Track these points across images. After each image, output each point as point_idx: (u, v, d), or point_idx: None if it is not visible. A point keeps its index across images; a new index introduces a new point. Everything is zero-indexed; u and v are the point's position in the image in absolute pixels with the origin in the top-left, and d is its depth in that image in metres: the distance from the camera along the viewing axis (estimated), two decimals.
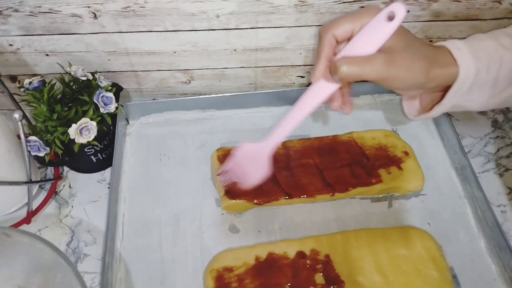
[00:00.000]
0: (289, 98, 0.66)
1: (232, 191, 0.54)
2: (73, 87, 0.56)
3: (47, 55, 0.59)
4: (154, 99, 0.68)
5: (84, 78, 0.55)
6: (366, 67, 0.36)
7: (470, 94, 0.40)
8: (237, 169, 0.49)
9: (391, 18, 0.36)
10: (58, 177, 0.60)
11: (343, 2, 0.54)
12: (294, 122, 0.43)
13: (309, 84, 0.67)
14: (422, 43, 0.39)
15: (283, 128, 0.44)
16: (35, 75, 0.60)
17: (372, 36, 0.37)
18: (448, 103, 0.41)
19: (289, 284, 0.49)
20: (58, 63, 0.59)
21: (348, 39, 0.39)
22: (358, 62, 0.37)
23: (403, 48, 0.37)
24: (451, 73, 0.38)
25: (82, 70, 0.55)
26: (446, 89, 0.40)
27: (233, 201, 0.53)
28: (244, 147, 0.48)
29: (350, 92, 0.44)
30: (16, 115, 0.50)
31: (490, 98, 0.41)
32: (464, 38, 0.60)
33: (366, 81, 0.38)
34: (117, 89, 0.59)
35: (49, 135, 0.53)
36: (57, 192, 0.59)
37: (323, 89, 0.41)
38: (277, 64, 0.64)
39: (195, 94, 0.69)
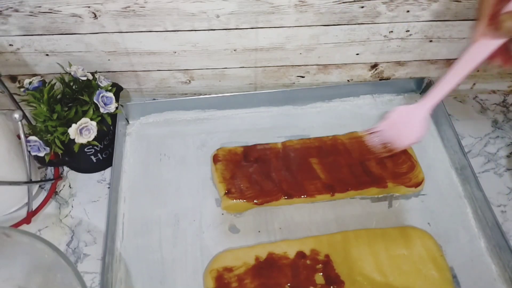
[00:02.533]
0: (289, 98, 0.66)
1: (232, 191, 0.54)
2: (73, 87, 0.56)
3: (47, 55, 0.59)
4: (154, 99, 0.68)
5: (84, 78, 0.55)
6: None
7: None
8: (390, 130, 0.50)
9: None
10: (58, 177, 0.60)
11: (343, 2, 0.54)
12: (452, 83, 0.43)
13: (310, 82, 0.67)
14: None
15: (441, 88, 0.44)
16: (35, 75, 0.60)
17: None
18: None
19: (289, 284, 0.49)
20: (58, 63, 0.59)
21: None
22: None
23: None
24: None
25: (82, 70, 0.55)
26: None
27: (233, 201, 0.53)
28: (399, 109, 0.48)
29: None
30: (16, 115, 0.50)
31: None
32: (464, 38, 0.60)
33: None
34: (117, 89, 0.59)
35: (49, 135, 0.53)
36: (57, 192, 0.59)
37: (484, 47, 0.40)
38: (277, 64, 0.64)
39: (195, 94, 0.69)
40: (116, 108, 0.56)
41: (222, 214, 0.56)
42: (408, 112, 0.48)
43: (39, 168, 0.61)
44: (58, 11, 0.52)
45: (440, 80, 0.44)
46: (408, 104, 0.48)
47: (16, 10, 0.52)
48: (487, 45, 0.40)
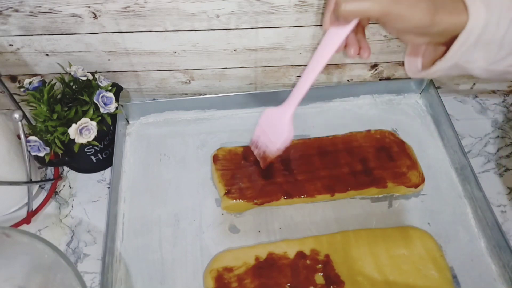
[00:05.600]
0: None
1: (232, 191, 0.54)
2: (73, 87, 0.56)
3: (47, 55, 0.59)
4: (154, 99, 0.68)
5: (84, 78, 0.55)
6: (367, 2, 0.35)
7: (473, 52, 0.38)
8: (263, 136, 0.48)
9: None
10: (58, 177, 0.60)
11: None
12: (311, 78, 0.42)
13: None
14: None
15: (301, 86, 0.43)
16: (35, 75, 0.60)
17: None
18: (450, 59, 0.39)
19: (289, 284, 0.49)
20: (58, 63, 0.59)
21: None
22: None
23: None
24: (459, 21, 0.37)
25: (82, 70, 0.55)
26: (448, 46, 0.39)
27: (233, 201, 0.53)
28: (266, 113, 0.47)
29: (365, 37, 0.43)
30: (16, 115, 0.50)
31: (491, 64, 0.39)
32: None
33: (375, 23, 0.36)
34: (117, 89, 0.59)
35: (49, 135, 0.53)
36: (57, 192, 0.59)
37: (334, 36, 0.39)
38: (277, 64, 0.64)
39: (195, 94, 0.69)
40: (116, 108, 0.56)
41: (222, 214, 0.56)
42: (275, 115, 0.46)
43: (39, 168, 0.61)
44: (58, 11, 0.52)
45: (300, 77, 0.43)
46: (273, 108, 0.46)
47: (16, 10, 0.52)
48: (337, 34, 0.39)
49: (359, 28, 0.43)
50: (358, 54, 0.43)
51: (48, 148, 0.54)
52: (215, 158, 0.58)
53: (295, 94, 0.44)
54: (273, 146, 0.48)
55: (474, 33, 0.37)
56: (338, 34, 0.39)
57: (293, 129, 0.46)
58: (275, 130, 0.47)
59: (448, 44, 0.39)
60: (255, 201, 0.54)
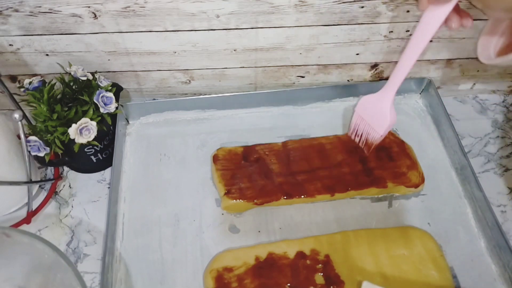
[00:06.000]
0: (289, 98, 0.66)
1: (232, 191, 0.54)
2: (73, 87, 0.56)
3: (47, 55, 0.59)
4: (154, 99, 0.68)
5: (84, 78, 0.55)
6: None
7: None
8: (362, 124, 0.48)
9: None
10: (58, 177, 0.60)
11: (343, 2, 0.54)
12: (413, 59, 0.41)
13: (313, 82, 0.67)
14: None
15: (402, 68, 0.42)
16: (35, 75, 0.60)
17: None
18: None
19: (289, 284, 0.49)
20: (58, 63, 0.59)
21: None
22: None
23: None
24: None
25: (82, 70, 0.55)
26: None
27: (233, 201, 0.53)
28: (363, 100, 0.47)
29: (460, 8, 0.41)
30: (16, 115, 0.50)
31: None
32: (464, 38, 0.60)
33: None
34: (117, 89, 0.59)
35: (49, 135, 0.53)
36: (57, 192, 0.59)
37: (435, 15, 0.38)
38: (277, 64, 0.64)
39: (195, 94, 0.69)
40: (116, 108, 0.56)
41: (222, 214, 0.56)
42: (373, 102, 0.45)
43: (39, 168, 0.61)
44: (58, 11, 0.52)
45: (400, 60, 0.41)
46: (371, 94, 0.45)
47: (16, 10, 0.52)
48: (438, 12, 0.38)
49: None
50: (461, 25, 0.40)
51: (48, 148, 0.54)
52: (215, 158, 0.58)
53: (394, 79, 0.43)
54: (376, 132, 0.48)
55: None
56: (440, 12, 0.37)
57: (395, 113, 0.45)
58: (376, 117, 0.47)
59: None
60: (255, 201, 0.54)
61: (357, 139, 0.51)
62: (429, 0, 0.38)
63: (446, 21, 0.40)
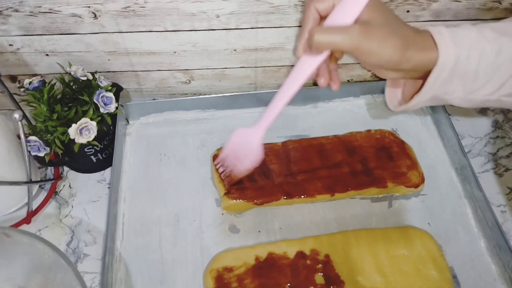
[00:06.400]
0: None
1: (232, 191, 0.54)
2: (73, 87, 0.56)
3: (47, 55, 0.59)
4: (154, 99, 0.68)
5: (84, 78, 0.55)
6: (339, 36, 0.36)
7: (449, 84, 0.39)
8: (232, 156, 0.49)
9: None
10: (58, 177, 0.60)
11: None
12: (283, 103, 0.43)
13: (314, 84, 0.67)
14: (404, 24, 0.38)
15: (272, 110, 0.44)
16: (35, 75, 0.60)
17: (349, 7, 0.37)
18: (427, 93, 0.40)
19: (289, 284, 0.49)
20: (58, 63, 0.59)
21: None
22: (332, 31, 0.36)
23: (381, 24, 0.37)
24: (430, 58, 0.38)
25: (82, 70, 0.55)
26: (426, 79, 0.40)
27: (233, 201, 0.53)
28: (237, 133, 0.48)
29: (337, 69, 0.44)
30: (16, 115, 0.50)
31: (469, 94, 0.40)
32: None
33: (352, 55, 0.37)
34: (117, 89, 0.59)
35: (49, 135, 0.53)
36: (57, 192, 0.59)
37: (307, 64, 0.40)
38: (277, 64, 0.64)
39: (195, 94, 0.69)
40: (116, 108, 0.56)
41: (222, 214, 0.56)
42: (246, 135, 0.47)
43: (39, 168, 0.61)
44: (58, 11, 0.52)
45: (272, 101, 0.43)
46: (244, 128, 0.47)
47: (16, 10, 0.52)
48: (309, 63, 0.40)
49: (333, 59, 0.43)
50: (328, 84, 0.43)
51: (48, 148, 0.54)
52: (215, 158, 0.58)
53: (266, 117, 0.45)
54: (242, 165, 0.49)
55: (447, 68, 0.38)
56: (310, 63, 0.40)
57: (263, 151, 0.47)
58: (245, 151, 0.48)
59: (425, 77, 0.39)
60: (255, 201, 0.54)
61: (221, 169, 0.52)
62: (304, 49, 0.40)
63: (318, 75, 0.43)
